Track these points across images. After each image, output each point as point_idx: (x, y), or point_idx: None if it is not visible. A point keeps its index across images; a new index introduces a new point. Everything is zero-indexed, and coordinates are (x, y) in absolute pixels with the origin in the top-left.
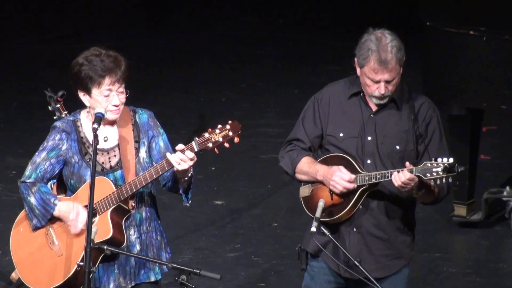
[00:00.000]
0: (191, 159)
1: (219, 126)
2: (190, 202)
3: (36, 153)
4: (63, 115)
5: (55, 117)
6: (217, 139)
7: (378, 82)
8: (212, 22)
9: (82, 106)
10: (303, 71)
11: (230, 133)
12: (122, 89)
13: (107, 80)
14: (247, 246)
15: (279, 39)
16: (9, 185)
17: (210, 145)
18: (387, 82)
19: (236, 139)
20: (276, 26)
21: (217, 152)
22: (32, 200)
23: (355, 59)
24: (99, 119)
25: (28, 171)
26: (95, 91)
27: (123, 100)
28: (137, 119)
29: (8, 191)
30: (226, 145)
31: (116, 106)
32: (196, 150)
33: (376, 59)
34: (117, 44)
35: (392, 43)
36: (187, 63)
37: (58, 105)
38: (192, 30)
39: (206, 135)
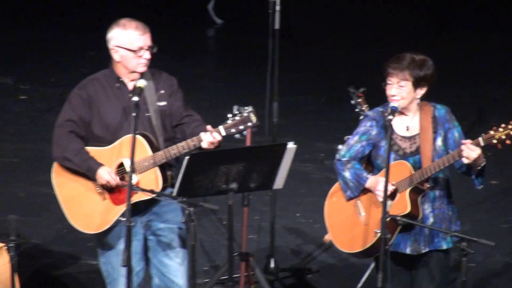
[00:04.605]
0: (475, 152)
1: (503, 125)
2: (482, 186)
3: (350, 136)
4: (363, 108)
5: (356, 110)
6: (501, 137)
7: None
8: None
9: (381, 101)
10: None
11: None
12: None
13: None
14: None
15: None
16: (319, 165)
17: (494, 141)
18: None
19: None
20: None
21: (500, 147)
22: (347, 174)
23: None
24: (393, 111)
25: (343, 151)
26: None
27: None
28: (436, 113)
29: (317, 170)
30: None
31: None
32: (482, 144)
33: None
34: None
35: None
36: None
37: (359, 100)
38: None
39: (492, 132)
